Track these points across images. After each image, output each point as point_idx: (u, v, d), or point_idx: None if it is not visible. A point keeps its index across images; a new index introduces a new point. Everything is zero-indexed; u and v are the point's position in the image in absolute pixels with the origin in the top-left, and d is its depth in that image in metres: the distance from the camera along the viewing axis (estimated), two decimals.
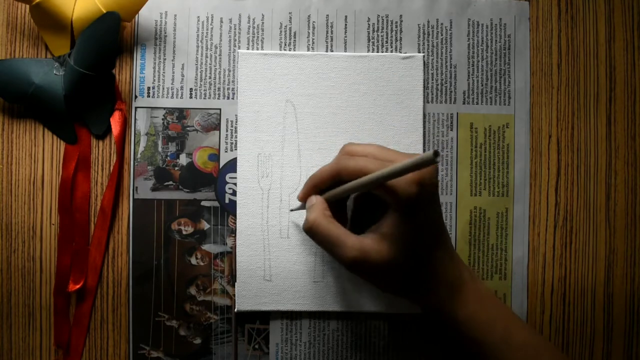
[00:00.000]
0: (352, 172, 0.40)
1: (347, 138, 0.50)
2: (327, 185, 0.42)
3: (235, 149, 0.50)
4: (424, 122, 0.50)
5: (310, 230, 0.41)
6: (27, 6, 0.48)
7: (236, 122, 0.50)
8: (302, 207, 0.45)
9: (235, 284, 0.49)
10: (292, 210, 0.49)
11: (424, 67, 0.50)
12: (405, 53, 0.51)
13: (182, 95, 0.50)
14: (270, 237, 0.49)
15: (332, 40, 0.51)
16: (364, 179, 0.38)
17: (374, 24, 0.51)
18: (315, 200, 0.42)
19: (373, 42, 0.51)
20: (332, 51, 0.51)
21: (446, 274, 0.41)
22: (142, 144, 0.50)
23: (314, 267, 0.49)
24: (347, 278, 0.49)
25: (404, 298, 0.42)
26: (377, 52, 0.51)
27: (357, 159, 0.40)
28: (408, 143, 0.50)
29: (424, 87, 0.50)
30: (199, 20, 0.50)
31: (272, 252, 0.49)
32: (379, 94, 0.50)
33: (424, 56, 0.51)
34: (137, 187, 0.49)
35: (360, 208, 0.45)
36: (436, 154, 0.32)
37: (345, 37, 0.51)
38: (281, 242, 0.49)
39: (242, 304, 0.49)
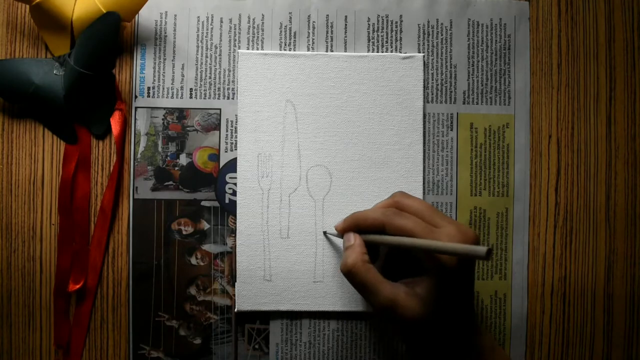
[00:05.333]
0: (397, 230, 0.41)
1: (347, 138, 0.50)
2: (368, 229, 0.43)
3: (235, 149, 0.50)
4: (424, 122, 0.50)
5: (349, 274, 0.42)
6: (27, 6, 0.48)
7: (236, 122, 0.50)
8: (339, 236, 0.46)
9: (235, 284, 0.49)
10: (326, 233, 0.49)
11: (424, 67, 0.50)
12: (405, 53, 0.51)
13: (182, 95, 0.50)
14: (270, 237, 0.49)
15: (332, 40, 0.51)
16: (409, 241, 0.39)
17: (374, 24, 0.51)
18: (354, 241, 0.43)
19: (373, 42, 0.51)
20: (332, 51, 0.51)
21: (468, 342, 0.42)
22: (142, 144, 0.50)
23: (314, 267, 0.49)
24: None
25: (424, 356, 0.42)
26: (377, 52, 0.51)
27: (405, 218, 0.41)
28: (408, 143, 0.50)
29: (424, 87, 0.50)
30: (199, 20, 0.50)
31: (272, 252, 0.49)
32: (379, 94, 0.50)
33: (424, 56, 0.51)
34: (137, 187, 0.49)
35: (397, 253, 0.46)
36: (489, 252, 0.33)
37: (345, 37, 0.51)
38: (281, 242, 0.49)
39: (242, 304, 0.49)
